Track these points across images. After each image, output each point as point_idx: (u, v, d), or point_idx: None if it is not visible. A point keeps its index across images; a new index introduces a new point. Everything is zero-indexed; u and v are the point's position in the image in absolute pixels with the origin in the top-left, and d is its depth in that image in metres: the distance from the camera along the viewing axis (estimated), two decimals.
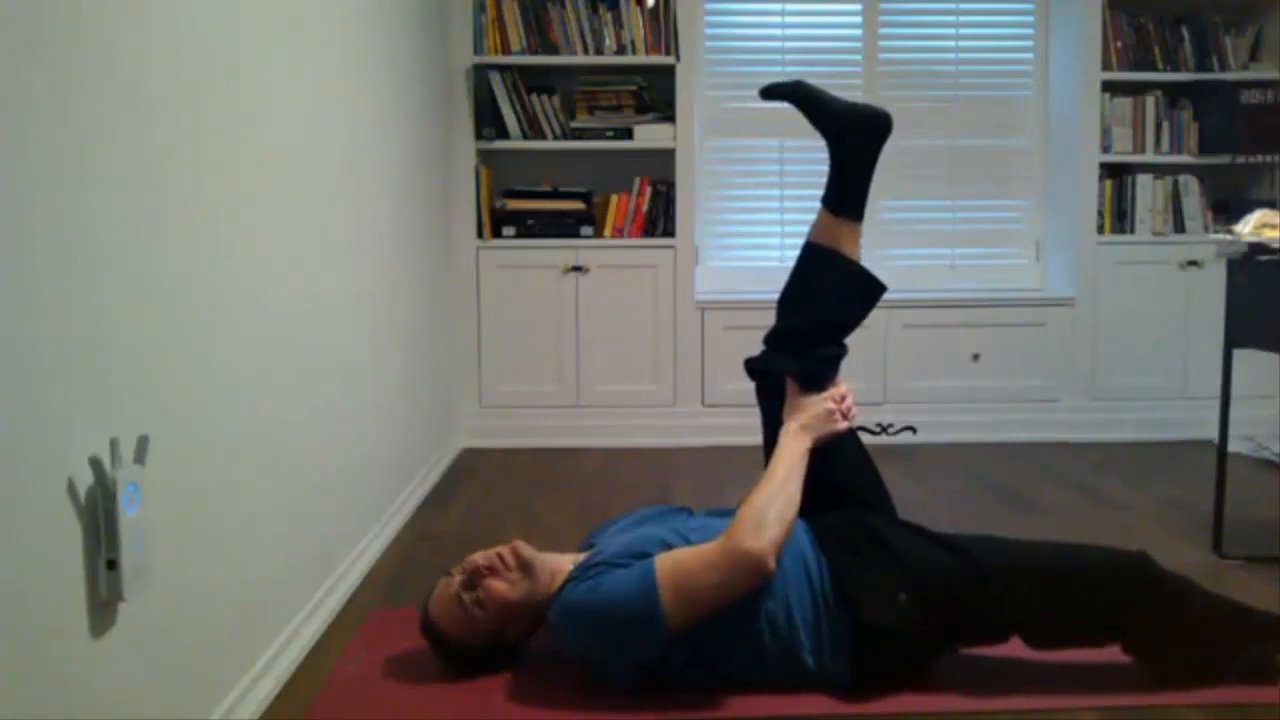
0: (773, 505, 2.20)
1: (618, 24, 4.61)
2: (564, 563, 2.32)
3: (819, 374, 2.46)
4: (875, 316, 4.60)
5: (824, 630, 2.19)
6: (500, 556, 2.25)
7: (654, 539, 2.27)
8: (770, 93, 2.60)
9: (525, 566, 2.25)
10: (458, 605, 2.24)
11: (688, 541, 2.25)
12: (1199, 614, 2.22)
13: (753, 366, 2.57)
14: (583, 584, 2.18)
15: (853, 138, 2.51)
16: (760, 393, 2.57)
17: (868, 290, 2.51)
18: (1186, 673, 2.22)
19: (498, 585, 2.22)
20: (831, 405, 2.42)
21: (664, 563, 2.15)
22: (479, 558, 2.27)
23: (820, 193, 5.14)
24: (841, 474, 2.43)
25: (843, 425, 2.42)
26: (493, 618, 2.23)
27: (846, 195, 2.52)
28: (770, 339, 2.56)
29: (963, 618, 2.20)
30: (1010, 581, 2.18)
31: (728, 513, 2.33)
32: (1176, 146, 4.81)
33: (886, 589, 2.18)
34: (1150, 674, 2.24)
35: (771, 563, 2.13)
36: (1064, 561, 2.23)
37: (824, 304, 2.48)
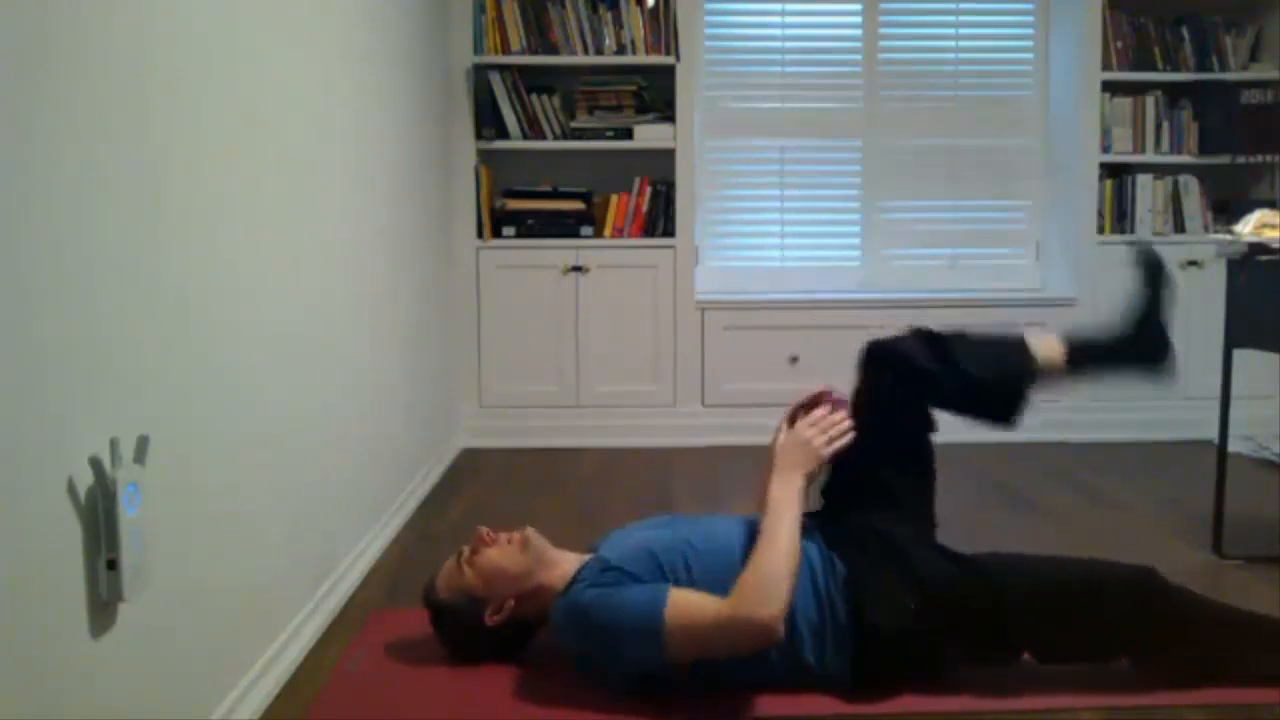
0: (779, 568, 2.13)
1: (618, 24, 4.61)
2: (572, 563, 2.33)
3: (935, 395, 2.39)
4: (875, 316, 4.65)
5: (827, 631, 2.20)
6: (508, 536, 2.36)
7: (664, 543, 2.27)
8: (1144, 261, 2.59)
9: (524, 544, 2.34)
10: (455, 563, 2.36)
11: (695, 547, 2.26)
12: (1207, 632, 2.23)
13: (883, 348, 2.45)
14: (595, 589, 2.17)
15: (1147, 344, 2.47)
16: (869, 368, 2.46)
17: (1004, 393, 2.43)
18: (1191, 683, 2.22)
19: (491, 552, 2.34)
20: (809, 433, 2.32)
21: (677, 604, 2.12)
22: (486, 528, 2.39)
23: (817, 191, 5.13)
24: (889, 474, 2.39)
25: (827, 450, 2.31)
26: (478, 576, 2.31)
27: (1094, 363, 2.52)
28: (921, 336, 2.47)
29: (969, 630, 2.20)
30: (1023, 598, 2.18)
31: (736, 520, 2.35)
32: (1176, 146, 4.81)
33: (896, 593, 2.19)
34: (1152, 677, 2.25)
35: (780, 631, 2.10)
36: (1075, 579, 2.23)
37: (982, 369, 2.40)
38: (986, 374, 2.41)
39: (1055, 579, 2.24)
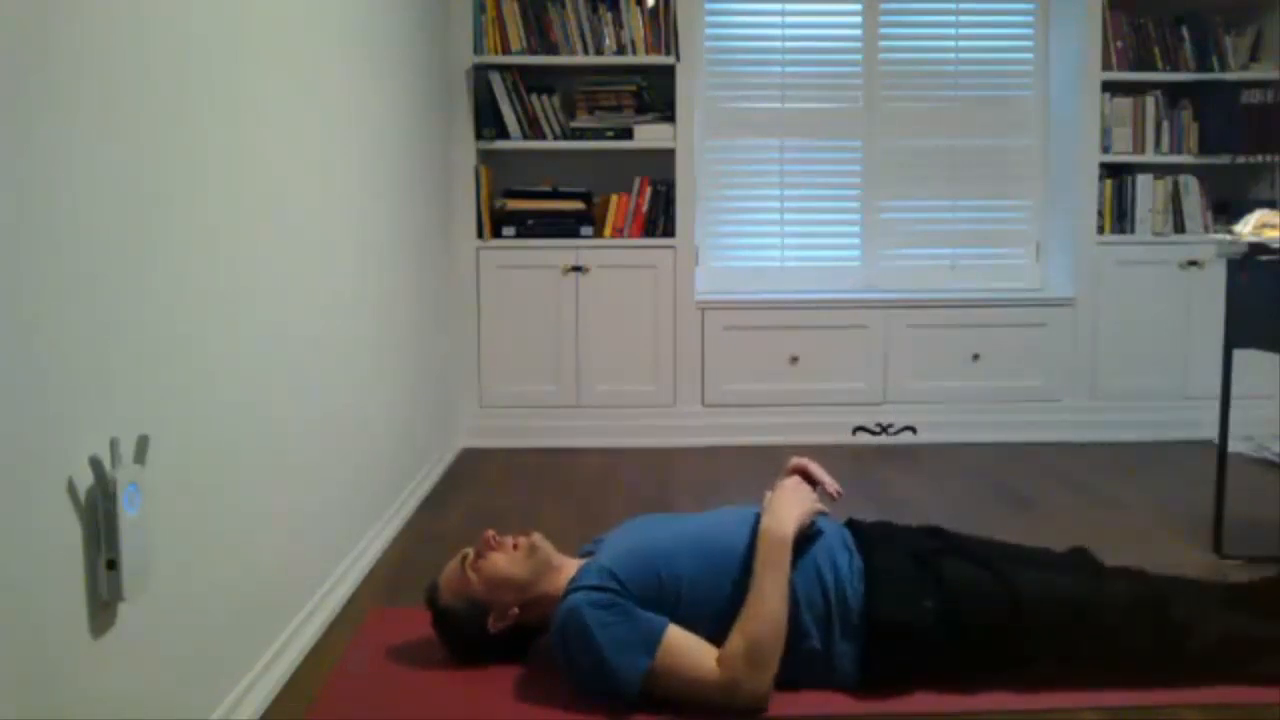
0: (769, 633, 2.14)
1: (618, 24, 4.61)
2: (573, 566, 2.34)
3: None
4: (875, 316, 4.66)
5: (834, 620, 2.21)
6: (514, 541, 2.35)
7: (663, 553, 2.27)
8: None
9: (531, 550, 2.33)
10: (459, 566, 2.34)
11: (696, 538, 2.27)
12: (1209, 637, 2.24)
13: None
14: (596, 610, 2.15)
15: None
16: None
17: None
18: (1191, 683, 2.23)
19: (498, 558, 2.32)
20: (791, 483, 2.36)
21: (670, 646, 2.13)
22: (492, 532, 2.37)
23: (817, 191, 5.12)
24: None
25: (812, 504, 2.32)
26: (482, 582, 2.30)
27: None
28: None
29: (982, 635, 2.20)
30: (1039, 610, 2.20)
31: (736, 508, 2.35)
32: (1176, 146, 4.80)
33: (914, 591, 2.20)
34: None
35: (767, 702, 2.13)
36: (1085, 593, 2.24)
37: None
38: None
39: (1065, 585, 2.25)
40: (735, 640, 2.14)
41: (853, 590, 2.22)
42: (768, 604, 2.15)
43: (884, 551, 2.30)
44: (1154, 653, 2.22)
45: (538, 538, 2.36)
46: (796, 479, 2.39)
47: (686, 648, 2.14)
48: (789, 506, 2.28)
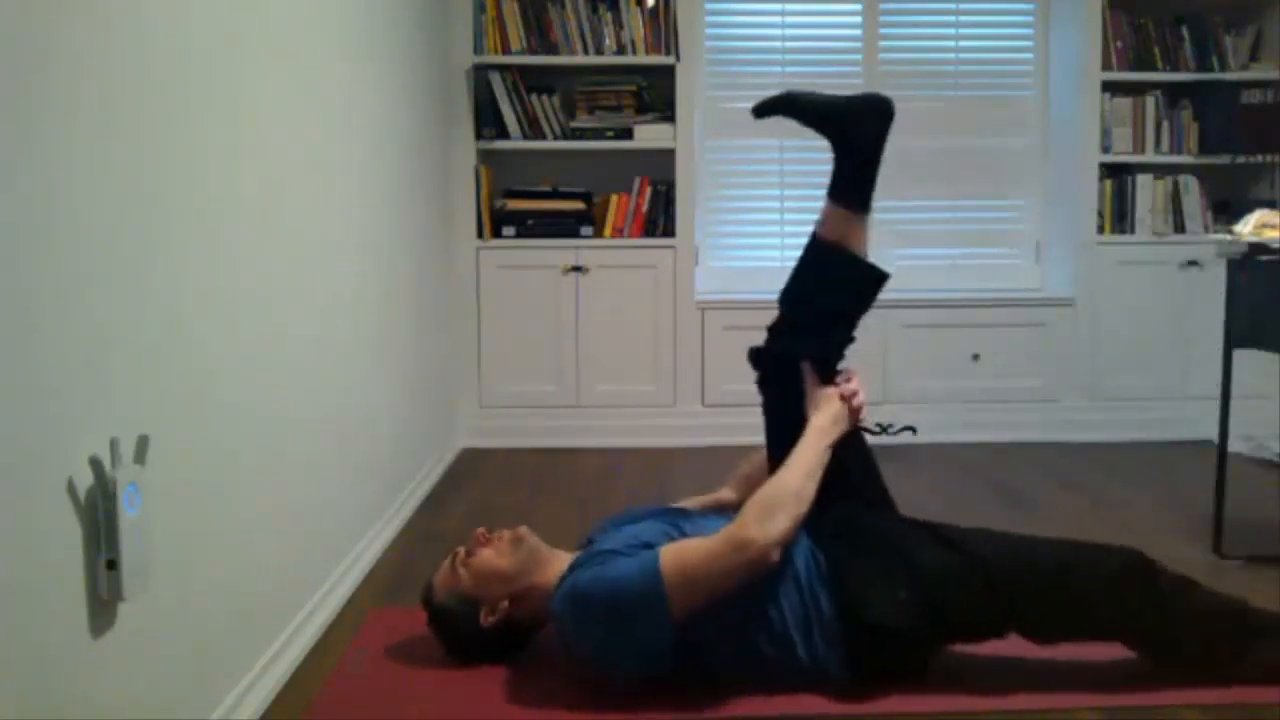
0: (783, 497, 2.19)
1: (618, 24, 4.61)
2: (565, 559, 2.33)
3: (832, 359, 2.47)
4: (875, 316, 4.60)
5: (814, 627, 2.19)
6: (501, 535, 2.37)
7: (656, 530, 2.29)
8: (762, 110, 2.58)
9: (517, 542, 2.34)
10: (450, 564, 2.36)
11: (685, 535, 2.26)
12: (1200, 611, 2.22)
13: (759, 352, 2.53)
14: (588, 570, 2.19)
15: (857, 128, 2.49)
16: (763, 383, 2.54)
17: (869, 283, 2.50)
18: (1188, 669, 2.22)
19: (486, 552, 2.34)
20: (843, 404, 2.40)
21: (669, 550, 2.16)
22: (483, 529, 2.40)
23: (817, 191, 5.12)
24: (852, 466, 2.41)
25: (848, 425, 2.39)
26: (472, 577, 2.32)
27: (853, 187, 2.48)
28: (773, 329, 2.55)
29: (963, 616, 2.20)
30: (1014, 582, 2.18)
31: (726, 517, 2.33)
32: (1176, 146, 4.81)
33: (887, 586, 2.18)
34: (1151, 671, 2.24)
35: (775, 554, 2.14)
36: (1066, 560, 2.23)
37: (825, 297, 2.48)
38: (843, 297, 2.50)
39: (1042, 554, 2.24)
40: (748, 504, 2.19)
41: (822, 590, 2.20)
42: (787, 475, 2.23)
43: (843, 546, 2.26)
44: (1131, 611, 2.20)
45: (524, 530, 2.37)
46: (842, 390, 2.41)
47: (684, 542, 2.19)
48: (838, 413, 2.37)
